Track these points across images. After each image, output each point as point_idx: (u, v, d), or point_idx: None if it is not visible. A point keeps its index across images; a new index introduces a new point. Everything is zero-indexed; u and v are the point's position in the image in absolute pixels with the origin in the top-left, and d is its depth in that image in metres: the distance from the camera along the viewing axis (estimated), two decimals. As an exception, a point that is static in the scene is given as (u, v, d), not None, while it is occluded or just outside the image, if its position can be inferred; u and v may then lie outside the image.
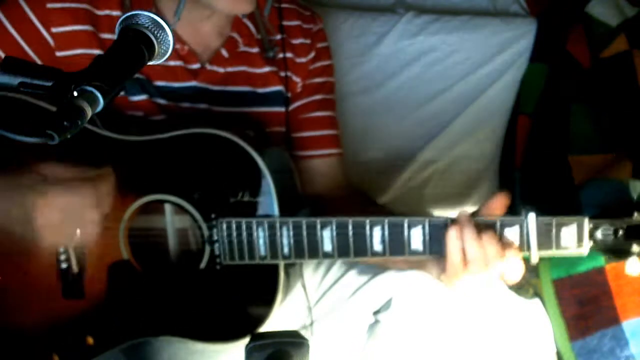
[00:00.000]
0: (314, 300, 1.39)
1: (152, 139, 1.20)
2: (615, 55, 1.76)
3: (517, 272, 1.08)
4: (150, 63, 0.80)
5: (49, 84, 0.73)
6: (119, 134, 1.21)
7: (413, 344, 1.23)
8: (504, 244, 1.08)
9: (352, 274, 1.36)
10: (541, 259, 1.39)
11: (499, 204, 1.10)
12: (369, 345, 1.33)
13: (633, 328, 1.43)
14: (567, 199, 1.64)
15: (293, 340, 0.97)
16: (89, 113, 0.71)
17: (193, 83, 1.33)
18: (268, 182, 1.16)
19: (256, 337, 1.00)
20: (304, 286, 1.36)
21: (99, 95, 0.72)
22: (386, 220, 1.11)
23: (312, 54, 1.43)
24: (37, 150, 1.16)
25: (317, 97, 1.45)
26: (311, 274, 1.42)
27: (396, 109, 1.87)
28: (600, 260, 1.48)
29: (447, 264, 1.09)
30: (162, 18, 0.80)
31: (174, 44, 0.82)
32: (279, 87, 1.40)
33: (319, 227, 1.13)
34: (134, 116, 1.31)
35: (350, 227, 1.12)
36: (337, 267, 1.39)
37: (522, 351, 1.38)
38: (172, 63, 1.32)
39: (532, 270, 1.57)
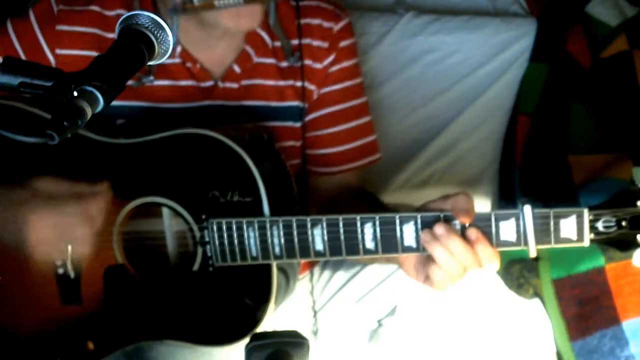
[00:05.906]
0: (318, 306, 1.39)
1: (140, 141, 1.19)
2: (615, 55, 1.76)
3: (494, 263, 1.04)
4: (150, 63, 0.80)
5: (49, 84, 0.73)
6: (106, 136, 1.20)
7: (415, 344, 1.23)
8: (470, 241, 1.04)
9: (358, 280, 1.35)
10: (541, 257, 1.39)
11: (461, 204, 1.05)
12: (370, 347, 1.33)
13: (633, 328, 1.43)
14: (567, 199, 1.64)
15: (293, 340, 0.96)
16: (89, 113, 0.71)
17: (206, 102, 1.31)
18: (257, 182, 1.14)
19: (256, 337, 1.00)
20: (311, 293, 1.36)
21: (99, 95, 0.72)
22: (377, 217, 1.09)
23: (331, 57, 1.35)
24: (29, 161, 1.15)
25: (335, 108, 1.38)
26: (316, 279, 1.41)
27: (396, 109, 1.86)
28: (600, 260, 1.48)
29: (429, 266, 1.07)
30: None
31: (174, 44, 0.82)
32: (294, 102, 1.35)
33: (309, 225, 1.11)
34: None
35: (341, 225, 1.10)
36: (343, 272, 1.38)
37: (522, 351, 1.38)
38: (183, 83, 1.30)
39: (532, 270, 1.57)
